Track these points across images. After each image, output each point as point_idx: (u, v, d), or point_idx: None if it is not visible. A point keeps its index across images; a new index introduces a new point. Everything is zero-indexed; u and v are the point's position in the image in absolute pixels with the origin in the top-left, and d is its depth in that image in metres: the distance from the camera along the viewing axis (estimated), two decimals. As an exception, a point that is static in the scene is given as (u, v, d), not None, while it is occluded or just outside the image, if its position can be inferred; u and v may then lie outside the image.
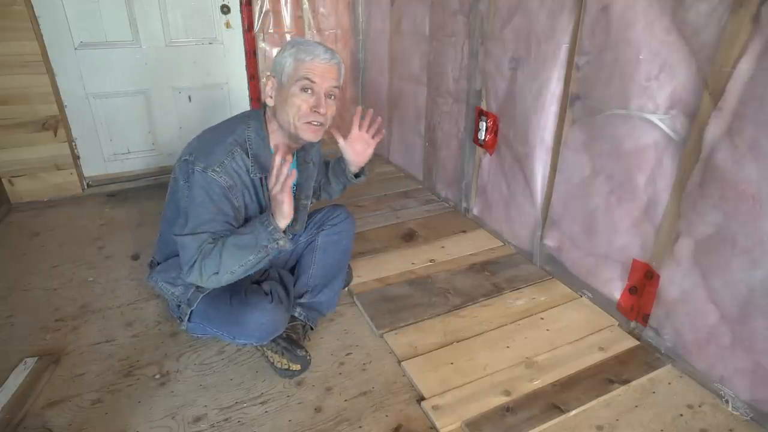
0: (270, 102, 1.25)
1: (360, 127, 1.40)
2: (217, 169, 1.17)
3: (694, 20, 1.15)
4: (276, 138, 1.29)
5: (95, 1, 2.30)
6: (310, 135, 1.24)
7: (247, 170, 1.23)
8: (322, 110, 1.22)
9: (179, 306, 1.35)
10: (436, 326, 1.53)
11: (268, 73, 1.25)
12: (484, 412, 1.21)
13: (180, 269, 1.24)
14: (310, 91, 1.20)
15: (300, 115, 1.21)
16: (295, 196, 1.44)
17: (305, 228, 1.55)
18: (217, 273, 1.15)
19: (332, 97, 1.25)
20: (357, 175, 1.50)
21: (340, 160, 1.50)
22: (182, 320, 1.35)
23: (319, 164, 1.53)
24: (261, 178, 1.26)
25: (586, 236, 1.61)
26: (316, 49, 1.20)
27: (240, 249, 1.15)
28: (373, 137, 1.42)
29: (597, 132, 1.48)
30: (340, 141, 1.42)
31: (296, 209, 1.46)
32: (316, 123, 1.23)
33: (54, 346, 1.44)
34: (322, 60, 1.20)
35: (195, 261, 1.16)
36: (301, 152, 1.42)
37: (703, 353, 1.29)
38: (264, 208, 1.29)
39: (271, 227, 1.15)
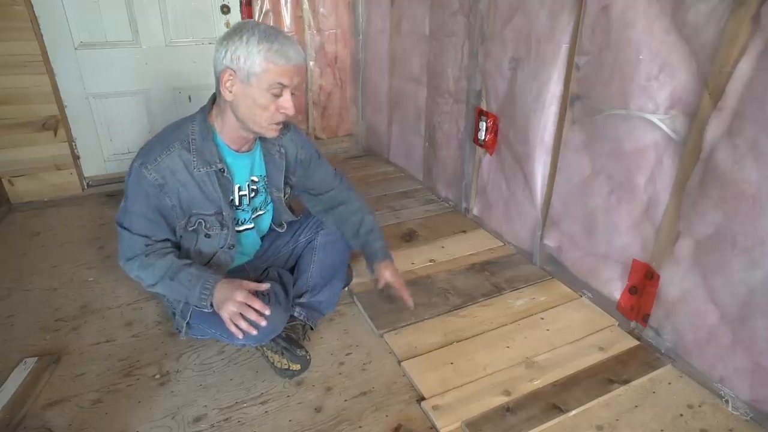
0: (229, 97, 1.17)
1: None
2: (149, 167, 1.18)
3: (694, 20, 1.15)
4: (229, 131, 1.25)
5: (95, 1, 2.30)
6: (273, 134, 1.24)
7: (186, 166, 1.21)
8: (290, 111, 1.19)
9: (174, 314, 1.35)
10: (436, 326, 1.53)
11: (228, 65, 1.16)
12: (484, 412, 1.21)
13: None
14: (279, 94, 1.17)
15: (269, 118, 1.19)
16: (266, 189, 1.43)
17: (305, 229, 1.54)
18: (146, 284, 1.25)
19: (294, 93, 1.22)
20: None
21: (378, 255, 1.48)
22: (180, 332, 1.36)
23: (305, 159, 1.46)
24: (209, 172, 1.23)
25: (586, 236, 1.61)
26: (288, 50, 1.14)
27: (172, 291, 1.23)
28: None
29: (597, 132, 1.48)
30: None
31: (273, 201, 1.46)
32: (281, 122, 1.22)
33: (54, 346, 1.44)
34: (296, 62, 1.16)
35: (128, 260, 1.23)
36: (264, 144, 1.38)
37: (703, 353, 1.29)
38: (212, 200, 1.26)
39: (204, 303, 1.19)
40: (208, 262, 1.31)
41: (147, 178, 1.18)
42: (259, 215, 1.45)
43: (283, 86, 1.16)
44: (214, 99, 1.27)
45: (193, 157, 1.21)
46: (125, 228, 1.22)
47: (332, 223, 1.52)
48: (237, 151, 1.30)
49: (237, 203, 1.35)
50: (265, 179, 1.41)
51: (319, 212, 1.54)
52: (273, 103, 1.17)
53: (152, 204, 1.21)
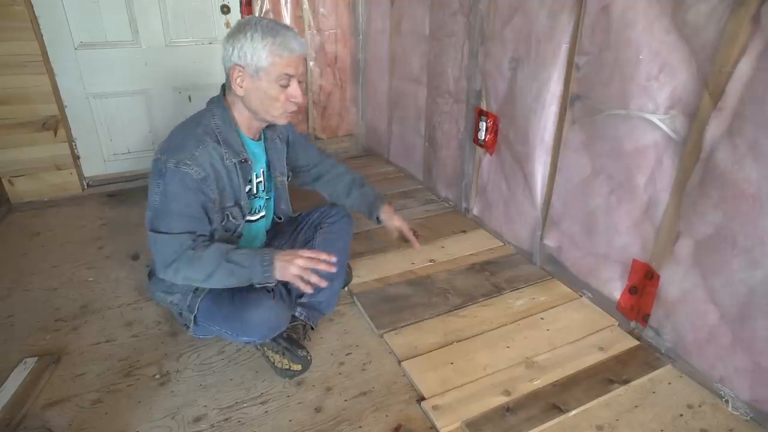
0: (240, 92, 1.22)
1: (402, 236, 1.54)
2: (189, 162, 1.18)
3: (694, 20, 1.15)
4: (243, 121, 1.30)
5: (95, 1, 2.30)
6: (285, 121, 1.29)
7: (221, 158, 1.23)
8: (300, 99, 1.24)
9: (181, 313, 1.35)
10: (436, 326, 1.53)
11: (236, 62, 1.19)
12: (484, 412, 1.21)
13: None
14: (287, 84, 1.22)
15: (281, 107, 1.23)
16: (270, 175, 1.46)
17: (304, 228, 1.55)
18: (198, 281, 1.20)
19: (301, 81, 1.28)
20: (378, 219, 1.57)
21: (378, 201, 1.56)
22: (188, 327, 1.35)
23: (293, 141, 1.53)
24: (236, 163, 1.26)
25: (586, 236, 1.61)
26: (290, 42, 1.18)
27: (232, 276, 1.18)
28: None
29: (597, 132, 1.48)
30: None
31: (275, 188, 1.49)
32: (293, 110, 1.27)
33: (54, 346, 1.44)
34: (300, 53, 1.21)
35: (173, 262, 1.18)
36: (267, 131, 1.41)
37: (703, 353, 1.29)
38: (234, 190, 1.28)
39: (268, 274, 1.17)
40: None
41: (189, 174, 1.17)
42: (268, 200, 1.49)
43: (290, 76, 1.21)
44: (224, 92, 1.30)
45: (225, 149, 1.24)
46: (162, 232, 1.18)
47: (322, 191, 1.60)
48: (253, 139, 1.34)
49: (255, 191, 1.38)
50: (269, 165, 1.45)
51: (307, 184, 1.61)
52: (282, 93, 1.22)
53: (198, 200, 1.20)
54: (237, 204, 1.30)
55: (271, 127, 1.40)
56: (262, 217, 1.46)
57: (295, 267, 1.16)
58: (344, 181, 1.59)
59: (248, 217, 1.38)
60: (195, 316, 1.32)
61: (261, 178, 1.40)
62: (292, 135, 1.54)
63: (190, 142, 1.20)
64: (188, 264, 1.17)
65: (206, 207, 1.22)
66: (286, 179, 1.51)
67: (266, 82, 1.20)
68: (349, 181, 1.59)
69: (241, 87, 1.22)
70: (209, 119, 1.26)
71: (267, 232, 1.54)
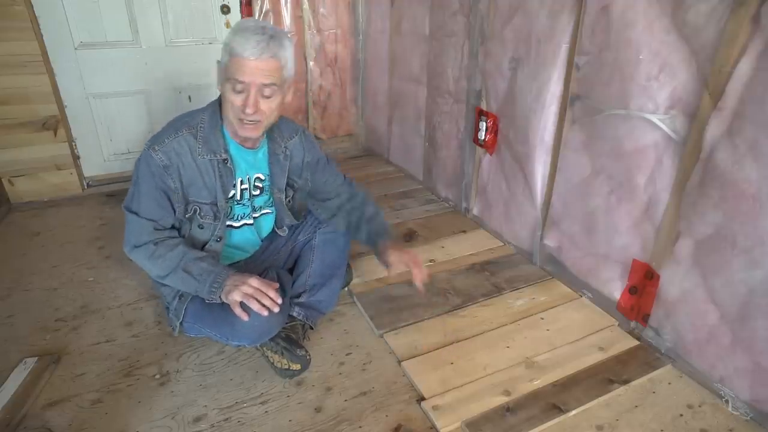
0: (219, 89, 1.22)
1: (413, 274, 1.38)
2: (157, 148, 1.21)
3: (694, 20, 1.15)
4: (228, 124, 1.28)
5: (95, 1, 2.30)
6: (245, 132, 1.22)
7: (191, 151, 1.23)
8: (249, 110, 1.15)
9: (168, 309, 1.35)
10: (436, 326, 1.53)
11: (218, 59, 1.20)
12: (484, 412, 1.21)
13: None
14: (240, 89, 1.15)
15: (234, 112, 1.19)
16: (269, 189, 1.43)
17: (303, 228, 1.54)
18: (152, 274, 1.28)
19: (270, 96, 1.17)
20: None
21: (382, 239, 1.44)
22: (174, 329, 1.36)
23: (304, 160, 1.44)
24: (212, 161, 1.26)
25: (586, 236, 1.61)
26: (247, 41, 1.10)
27: (183, 283, 1.23)
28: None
29: (597, 132, 1.48)
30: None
31: (275, 203, 1.46)
32: (248, 121, 1.19)
33: (54, 346, 1.44)
34: (251, 56, 1.10)
35: (135, 248, 1.23)
36: (271, 144, 1.38)
37: (703, 353, 1.29)
38: (209, 188, 1.27)
39: (214, 295, 1.18)
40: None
41: (154, 159, 1.21)
42: (262, 215, 1.46)
43: (238, 82, 1.13)
44: None
45: (199, 144, 1.24)
46: (133, 212, 1.24)
47: (342, 225, 1.53)
48: (241, 145, 1.32)
49: (238, 197, 1.36)
50: (269, 179, 1.42)
51: (327, 218, 1.53)
52: (236, 99, 1.16)
53: (159, 185, 1.23)
54: (212, 204, 1.29)
55: (273, 138, 1.37)
56: (248, 224, 1.43)
57: (238, 293, 1.14)
58: (355, 218, 1.50)
59: (229, 223, 1.37)
60: (181, 322, 1.33)
61: (247, 185, 1.36)
62: (310, 156, 1.45)
63: (167, 130, 1.24)
64: (148, 258, 1.23)
65: (168, 195, 1.24)
66: (283, 197, 1.44)
67: (225, 82, 1.17)
68: (358, 216, 1.50)
69: (219, 85, 1.21)
70: (200, 114, 1.27)
71: (264, 237, 1.53)
